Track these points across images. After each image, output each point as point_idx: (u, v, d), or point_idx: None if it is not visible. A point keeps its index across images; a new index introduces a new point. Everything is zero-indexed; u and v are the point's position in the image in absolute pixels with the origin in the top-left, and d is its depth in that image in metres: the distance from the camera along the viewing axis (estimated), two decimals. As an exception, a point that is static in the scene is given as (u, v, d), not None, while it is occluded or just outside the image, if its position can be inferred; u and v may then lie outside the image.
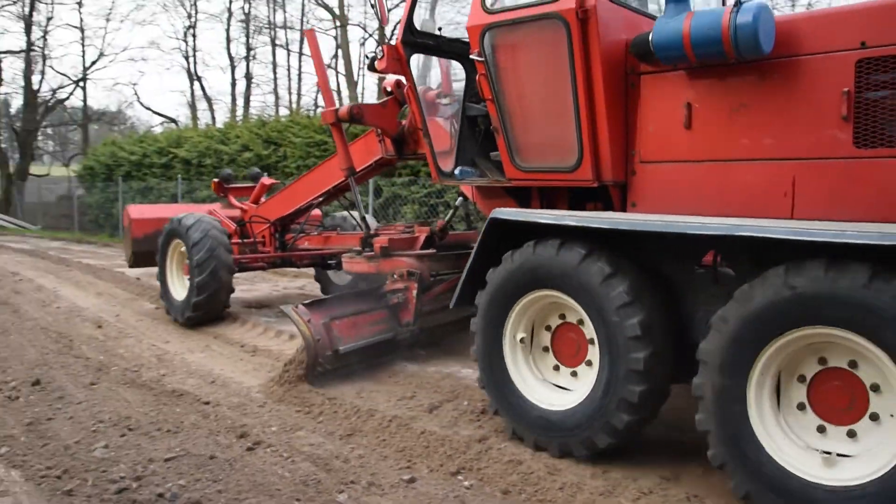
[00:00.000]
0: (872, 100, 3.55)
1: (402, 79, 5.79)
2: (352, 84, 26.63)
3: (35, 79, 32.36)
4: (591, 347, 4.03)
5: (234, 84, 36.11)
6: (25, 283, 10.87)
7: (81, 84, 35.05)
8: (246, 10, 35.49)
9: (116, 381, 5.57)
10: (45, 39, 33.14)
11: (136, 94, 79.02)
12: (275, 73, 36.06)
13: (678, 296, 3.97)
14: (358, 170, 6.43)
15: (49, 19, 33.91)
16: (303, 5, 33.98)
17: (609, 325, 3.77)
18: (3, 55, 31.88)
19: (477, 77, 4.89)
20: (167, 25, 79.74)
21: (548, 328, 4.30)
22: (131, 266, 8.82)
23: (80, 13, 40.02)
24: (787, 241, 3.19)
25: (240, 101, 35.72)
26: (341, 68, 29.25)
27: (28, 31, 31.66)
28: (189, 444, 4.21)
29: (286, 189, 7.84)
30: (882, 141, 3.52)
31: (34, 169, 34.89)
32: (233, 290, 7.57)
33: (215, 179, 8.90)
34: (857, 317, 2.98)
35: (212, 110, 37.00)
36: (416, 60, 5.69)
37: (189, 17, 34.58)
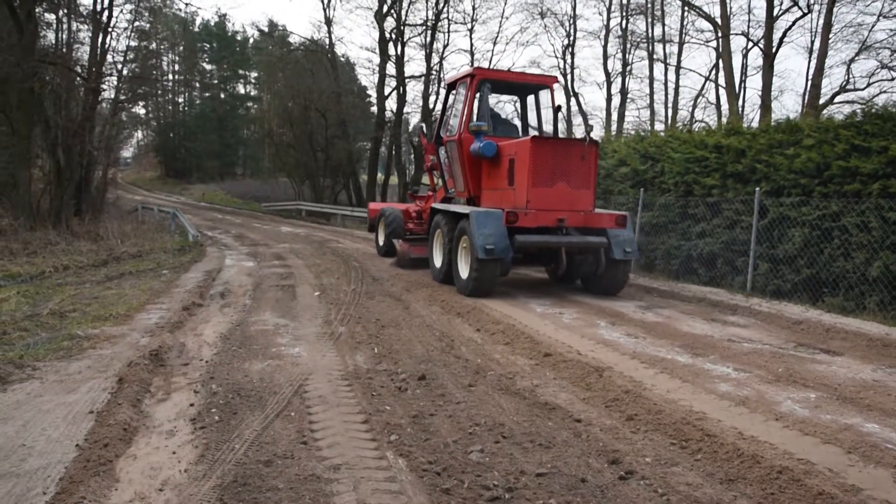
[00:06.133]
0: (513, 171, 10.70)
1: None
2: (732, 95, 24.89)
3: (431, 99, 35.96)
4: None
5: (608, 99, 36.47)
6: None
7: (469, 103, 38.00)
8: (623, 26, 35.64)
9: (492, 386, 5.70)
10: (441, 64, 36.65)
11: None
12: (651, 87, 35.61)
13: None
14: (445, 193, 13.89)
15: (445, 46, 37.37)
16: (682, 18, 33.11)
17: (445, 235, 11.46)
18: (408, 79, 36.00)
19: (445, 158, 13.45)
20: (547, 45, 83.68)
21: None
22: (369, 230, 18.25)
23: (472, 39, 43.79)
24: (459, 213, 11.09)
25: (614, 116, 35.92)
26: (722, 80, 27.87)
27: (428, 57, 35.27)
28: (560, 463, 4.11)
29: (431, 198, 14.89)
30: (510, 181, 10.81)
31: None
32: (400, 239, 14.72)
33: (409, 192, 18.75)
34: (466, 231, 10.47)
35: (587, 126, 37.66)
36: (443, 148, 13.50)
37: (568, 35, 35.60)
